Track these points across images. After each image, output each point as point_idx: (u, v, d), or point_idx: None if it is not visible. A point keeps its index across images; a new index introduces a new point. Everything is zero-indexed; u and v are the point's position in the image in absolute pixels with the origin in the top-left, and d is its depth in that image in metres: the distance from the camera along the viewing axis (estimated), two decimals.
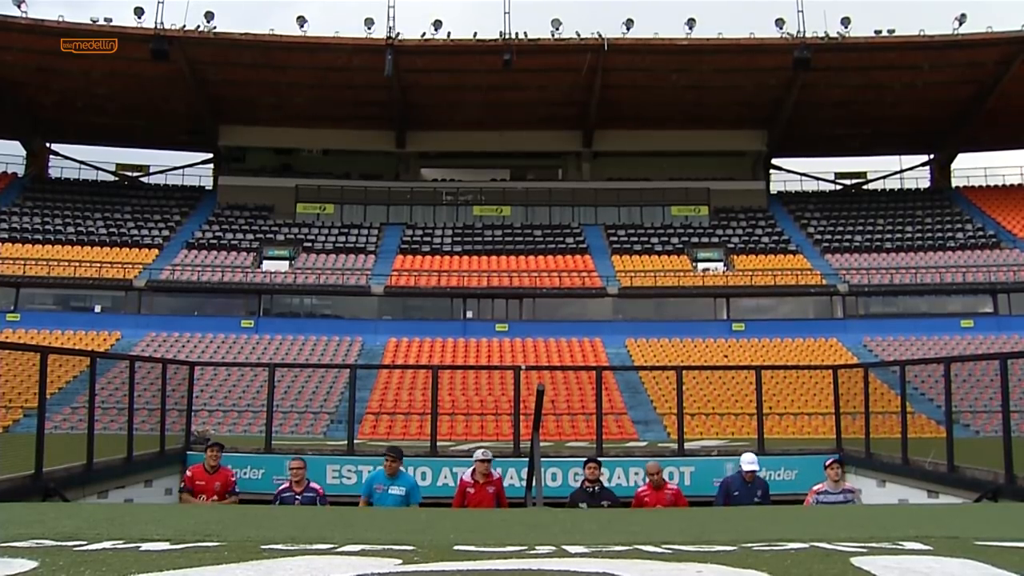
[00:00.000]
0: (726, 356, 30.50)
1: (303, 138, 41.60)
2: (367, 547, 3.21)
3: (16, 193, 39.49)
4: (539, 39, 35.02)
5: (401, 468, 7.98)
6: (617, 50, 35.18)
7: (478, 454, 8.15)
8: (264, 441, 10.69)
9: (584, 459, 8.69)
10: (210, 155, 43.26)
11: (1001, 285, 33.80)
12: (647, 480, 8.70)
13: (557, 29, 35.21)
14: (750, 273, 35.35)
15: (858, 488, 8.36)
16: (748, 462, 8.51)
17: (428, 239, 39.14)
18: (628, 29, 35.51)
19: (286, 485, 8.22)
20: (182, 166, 44.00)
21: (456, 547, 3.22)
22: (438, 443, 10.62)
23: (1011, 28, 34.74)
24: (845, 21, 35.39)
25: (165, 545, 3.19)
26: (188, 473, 8.78)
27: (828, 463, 8.16)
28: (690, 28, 35.32)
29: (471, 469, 8.07)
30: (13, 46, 34.17)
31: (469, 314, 34.19)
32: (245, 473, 9.87)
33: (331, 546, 3.25)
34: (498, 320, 33.47)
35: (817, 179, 44.90)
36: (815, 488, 8.12)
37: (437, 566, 2.74)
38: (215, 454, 8.68)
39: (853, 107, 38.83)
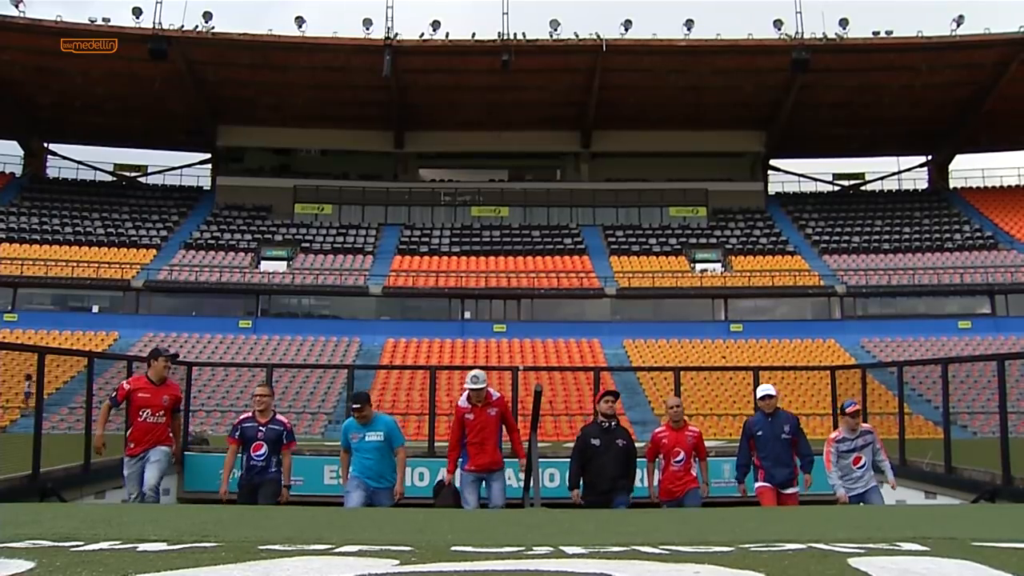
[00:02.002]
0: (724, 357, 30.52)
1: (301, 138, 41.60)
2: (365, 548, 3.21)
3: (14, 193, 39.45)
4: (537, 40, 35.05)
5: (374, 411, 7.18)
6: (616, 51, 35.21)
7: (468, 380, 7.19)
8: None
9: (602, 392, 7.77)
10: (208, 155, 43.25)
11: (999, 286, 33.86)
12: (664, 421, 7.90)
13: (556, 30, 35.25)
14: (748, 274, 35.37)
15: (873, 428, 7.56)
16: (763, 389, 7.61)
17: (426, 239, 39.14)
18: (627, 30, 35.56)
19: (248, 414, 7.44)
20: (180, 166, 44.03)
21: (453, 548, 3.23)
22: (436, 443, 10.61)
23: (1009, 29, 34.84)
24: (843, 22, 35.47)
25: (162, 546, 3.19)
26: (126, 385, 7.33)
27: (849, 409, 7.33)
28: (688, 29, 35.38)
29: (465, 395, 7.25)
30: (11, 45, 34.15)
31: (467, 315, 34.18)
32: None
33: (329, 546, 3.25)
34: (496, 321, 33.48)
35: (815, 180, 44.99)
36: (832, 437, 7.46)
37: (435, 567, 2.74)
38: (165, 364, 7.38)
39: (851, 108, 38.89)
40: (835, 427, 8.02)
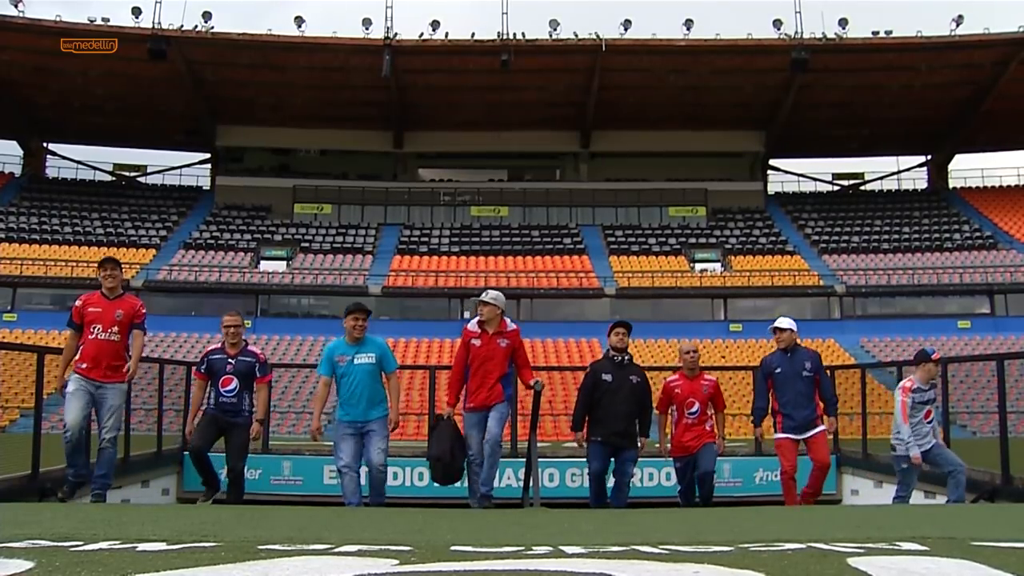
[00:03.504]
0: (723, 357, 30.52)
1: (301, 138, 41.59)
2: (364, 547, 3.21)
3: (13, 193, 39.43)
4: (537, 40, 35.05)
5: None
6: (615, 51, 35.20)
7: (482, 296, 6.54)
8: (261, 442, 10.66)
9: (613, 323, 7.19)
10: (208, 155, 43.23)
11: (998, 286, 33.87)
12: (678, 370, 7.33)
13: (555, 30, 35.25)
14: (747, 274, 35.38)
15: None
16: (778, 322, 7.05)
17: (426, 239, 39.14)
18: (626, 30, 35.56)
19: (217, 346, 6.77)
20: (180, 166, 43.99)
21: (453, 547, 3.23)
22: None
23: (1008, 29, 34.82)
24: (843, 22, 35.47)
25: (162, 545, 3.19)
26: (77, 303, 6.41)
27: (935, 355, 6.82)
28: (688, 29, 35.38)
29: (475, 319, 6.52)
30: (10, 45, 34.11)
31: (466, 315, 34.13)
32: None
33: (328, 546, 3.25)
34: None
35: (815, 180, 44.98)
36: (905, 385, 6.82)
37: (434, 566, 2.75)
38: (113, 273, 6.43)
39: (850, 108, 38.89)
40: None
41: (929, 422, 6.76)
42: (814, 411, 6.80)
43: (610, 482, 7.13)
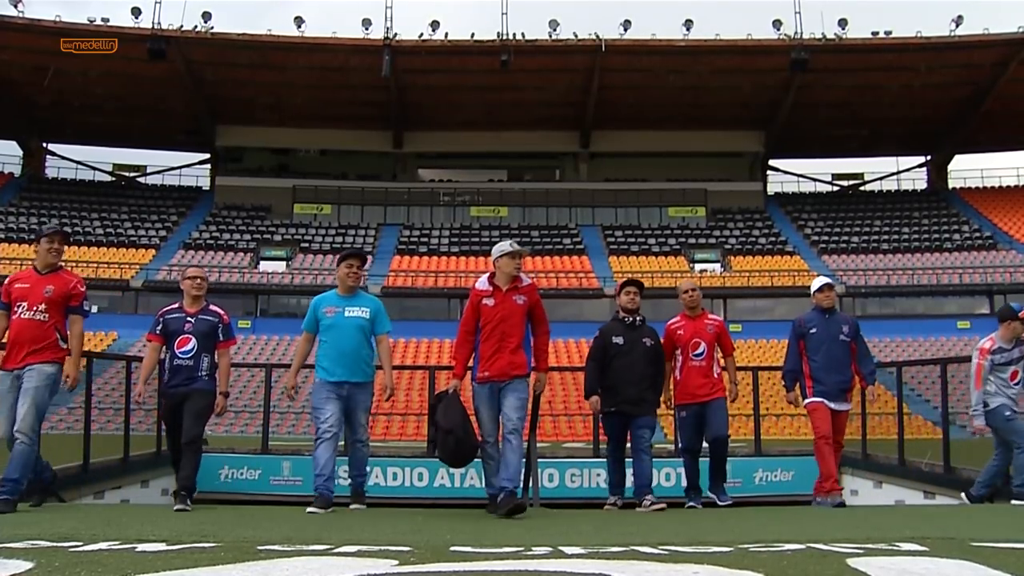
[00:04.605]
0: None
1: (300, 138, 41.59)
2: (364, 548, 3.22)
3: (13, 193, 39.44)
4: (536, 40, 35.07)
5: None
6: (614, 51, 35.22)
7: (503, 245, 5.43)
8: (261, 442, 10.67)
9: (622, 281, 6.53)
10: (207, 155, 43.23)
11: (998, 286, 33.88)
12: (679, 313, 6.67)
13: (555, 30, 35.28)
14: (747, 274, 35.39)
15: None
16: (820, 281, 6.62)
17: (425, 240, 39.15)
18: (625, 30, 35.58)
19: (176, 304, 5.93)
20: (179, 166, 43.99)
21: (452, 548, 3.23)
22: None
23: (1008, 30, 34.85)
24: (842, 22, 35.50)
25: (161, 546, 3.19)
26: (7, 280, 5.45)
27: (1022, 313, 6.36)
28: (687, 29, 35.40)
29: (486, 276, 5.45)
30: (10, 45, 34.12)
31: None
32: (241, 474, 9.86)
33: (328, 547, 3.26)
34: None
35: (814, 180, 45.01)
36: (984, 346, 6.42)
37: (433, 567, 2.75)
38: (49, 247, 5.33)
39: (850, 108, 38.90)
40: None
41: (1016, 383, 6.32)
42: (848, 381, 6.36)
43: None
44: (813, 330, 6.39)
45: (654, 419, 6.29)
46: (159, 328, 5.82)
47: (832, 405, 6.31)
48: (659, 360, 6.27)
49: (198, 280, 5.93)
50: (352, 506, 5.66)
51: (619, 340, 6.12)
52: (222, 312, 5.99)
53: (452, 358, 5.38)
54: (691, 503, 6.71)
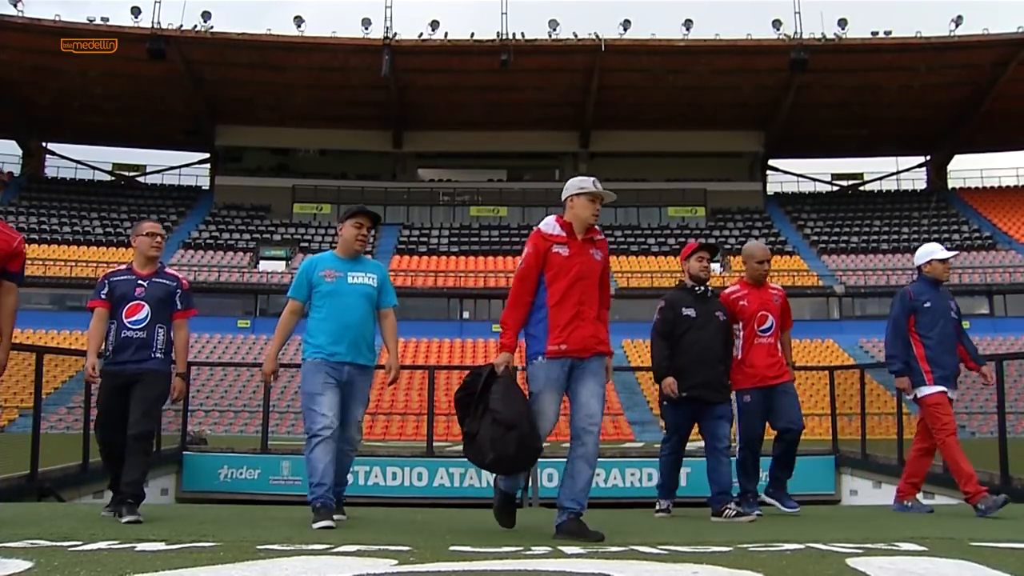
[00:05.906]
0: None
1: (300, 138, 41.60)
2: (363, 547, 3.22)
3: (12, 193, 39.39)
4: (536, 40, 35.06)
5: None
6: (614, 51, 35.22)
7: (579, 182, 4.01)
8: (260, 441, 10.67)
9: (693, 246, 5.61)
10: (207, 155, 43.22)
11: (997, 287, 33.90)
12: (737, 280, 5.78)
13: (554, 30, 35.27)
14: None
15: None
16: (941, 252, 5.45)
17: (425, 239, 39.15)
18: (625, 30, 35.58)
19: (125, 266, 4.90)
20: (179, 166, 43.99)
21: (452, 548, 3.23)
22: (434, 443, 10.61)
23: (1007, 30, 34.86)
24: (842, 22, 35.49)
25: (161, 545, 3.19)
26: None
27: None
28: (687, 29, 35.39)
29: (552, 217, 4.05)
30: (9, 45, 34.10)
31: (466, 315, 34.20)
32: (241, 473, 9.86)
33: (327, 546, 3.26)
34: (495, 320, 33.26)
35: (814, 180, 45.02)
36: None
37: (433, 567, 2.75)
38: None
39: (850, 108, 38.91)
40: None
41: None
42: (958, 364, 5.35)
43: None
44: (927, 303, 5.30)
45: (731, 408, 5.22)
46: (104, 292, 4.73)
47: (952, 394, 5.29)
48: (730, 338, 5.33)
49: (158, 237, 4.84)
50: (335, 516, 4.35)
51: (691, 312, 5.11)
52: (180, 276, 4.96)
53: (502, 322, 4.01)
54: (750, 510, 5.02)
